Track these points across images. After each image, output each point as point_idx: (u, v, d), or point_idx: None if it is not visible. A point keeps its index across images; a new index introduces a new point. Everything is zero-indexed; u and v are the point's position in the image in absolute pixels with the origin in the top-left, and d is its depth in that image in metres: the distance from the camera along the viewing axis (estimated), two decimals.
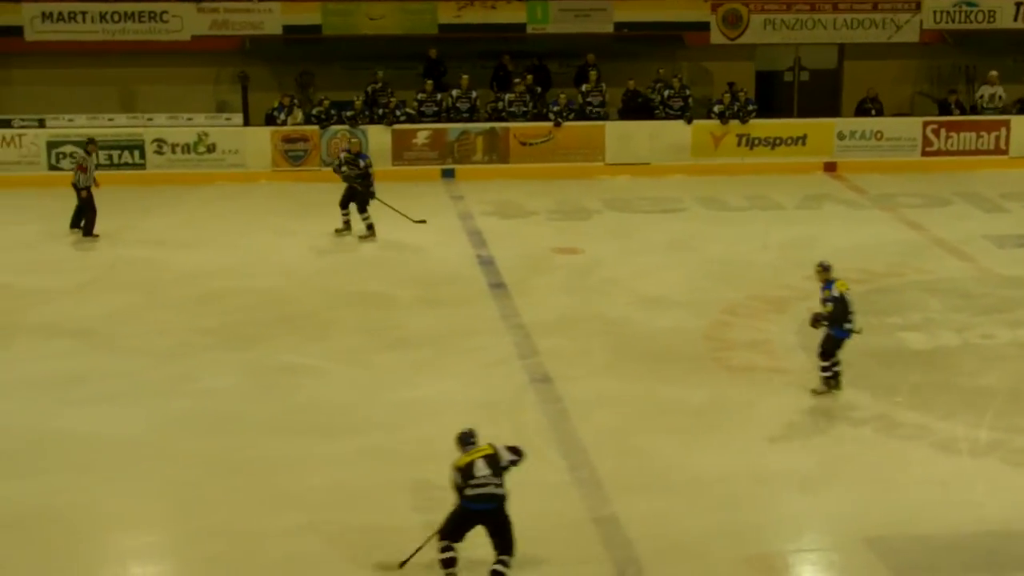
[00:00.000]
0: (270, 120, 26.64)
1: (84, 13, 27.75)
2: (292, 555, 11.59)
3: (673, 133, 26.99)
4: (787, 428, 14.40)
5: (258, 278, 19.66)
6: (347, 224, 21.87)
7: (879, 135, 27.39)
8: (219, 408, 14.77)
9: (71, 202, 21.92)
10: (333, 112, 26.39)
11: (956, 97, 28.20)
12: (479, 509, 11.06)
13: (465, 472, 11.09)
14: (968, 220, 23.15)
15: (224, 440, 13.72)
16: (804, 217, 23.59)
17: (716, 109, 27.14)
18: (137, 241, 21.70)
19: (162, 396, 15.05)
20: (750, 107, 27.20)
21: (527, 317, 17.80)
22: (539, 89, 27.42)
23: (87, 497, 12.59)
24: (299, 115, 26.60)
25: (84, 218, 21.76)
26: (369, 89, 26.96)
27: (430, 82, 27.27)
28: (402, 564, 11.40)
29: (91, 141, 22.74)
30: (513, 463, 11.32)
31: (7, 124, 25.92)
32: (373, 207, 21.79)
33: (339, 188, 22.03)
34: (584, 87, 27.42)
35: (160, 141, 25.77)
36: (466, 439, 11.39)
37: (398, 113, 26.62)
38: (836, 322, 14.95)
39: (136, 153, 25.63)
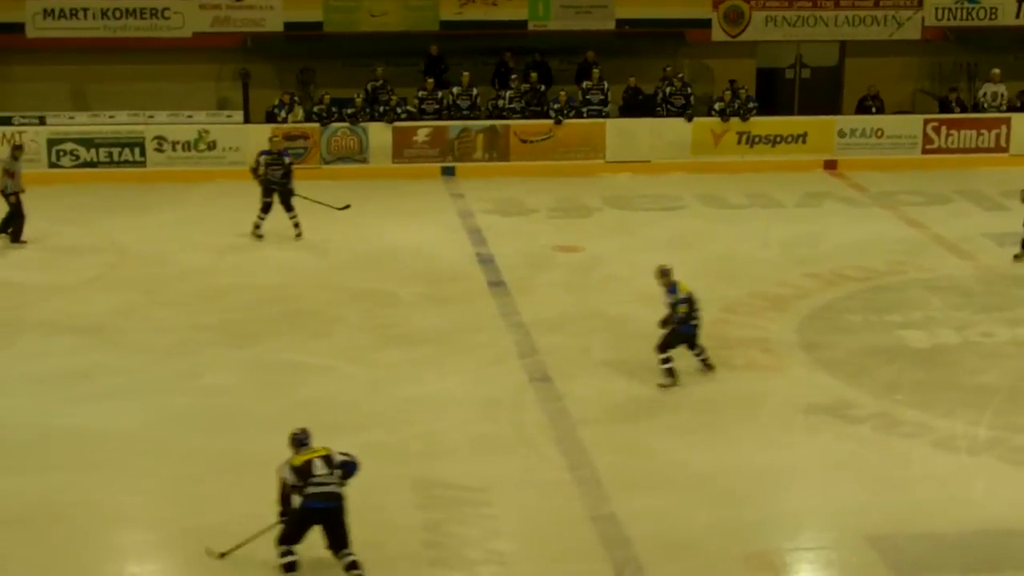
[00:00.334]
0: (271, 117, 26.63)
1: (86, 10, 27.73)
2: (298, 552, 11.54)
3: (674, 131, 26.99)
4: (787, 426, 14.44)
5: (260, 275, 19.71)
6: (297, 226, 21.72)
7: (880, 133, 27.38)
8: (221, 405, 14.81)
9: (72, 199, 21.96)
10: (334, 110, 26.41)
11: (957, 95, 28.21)
12: (320, 507, 11.05)
13: (303, 471, 11.12)
14: (969, 218, 23.17)
15: (227, 437, 13.76)
16: (804, 215, 23.61)
17: (717, 107, 27.15)
18: (139, 238, 21.70)
19: (165, 393, 15.08)
20: (751, 104, 27.21)
21: (527, 315, 17.84)
22: (542, 87, 27.42)
23: (90, 494, 12.62)
24: (300, 112, 26.60)
25: (12, 224, 21.29)
26: (369, 86, 26.98)
27: (431, 80, 27.28)
28: (223, 555, 11.39)
29: (18, 147, 22.54)
30: (347, 465, 11.30)
31: (8, 121, 25.91)
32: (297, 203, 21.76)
33: (340, 186, 22.07)
34: (585, 84, 27.44)
35: (161, 139, 25.77)
36: (300, 440, 11.41)
37: (399, 111, 26.65)
38: (684, 320, 15.38)
39: (136, 151, 25.63)
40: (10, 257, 20.59)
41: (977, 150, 27.51)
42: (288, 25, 28.16)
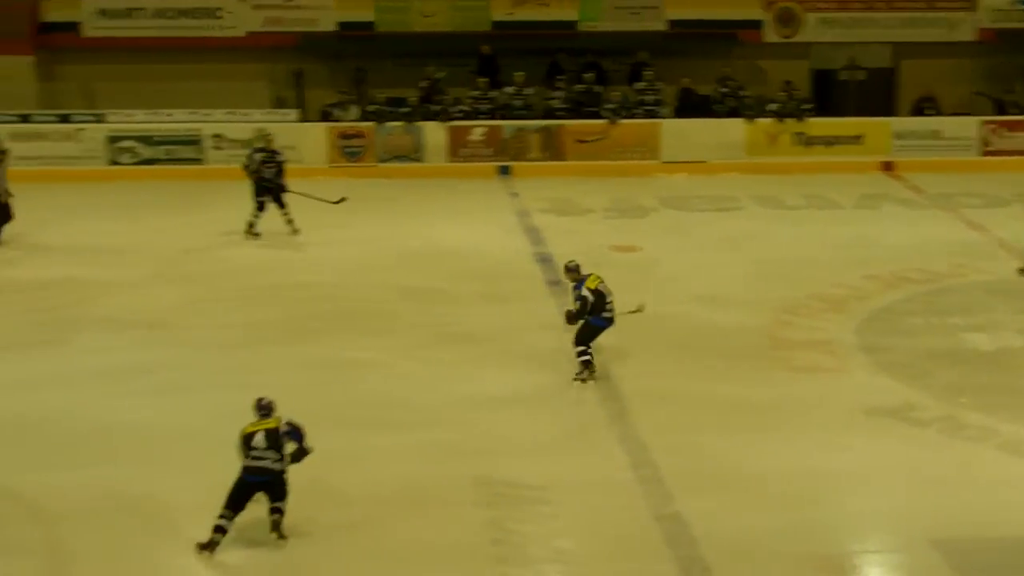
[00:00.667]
0: (326, 116, 26.76)
1: (140, 9, 28.02)
2: (353, 548, 11.64)
3: (729, 131, 26.96)
4: (850, 428, 14.29)
5: (318, 272, 19.77)
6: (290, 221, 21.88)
7: (936, 134, 27.25)
8: (280, 401, 14.76)
9: (131, 196, 22.09)
10: (388, 109, 26.48)
11: (1014, 97, 28.02)
12: (253, 480, 11.50)
13: (245, 441, 11.59)
14: None
15: None
16: (862, 216, 23.50)
17: (772, 107, 27.08)
18: (198, 235, 21.85)
19: (224, 388, 15.05)
20: (805, 106, 27.13)
21: None
22: (597, 88, 27.38)
23: (152, 487, 12.65)
24: (355, 112, 26.70)
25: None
26: (422, 86, 27.03)
27: (485, 79, 27.30)
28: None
29: (1, 151, 22.43)
30: (290, 436, 11.68)
31: (66, 119, 26.15)
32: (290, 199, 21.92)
33: (395, 184, 22.07)
34: (638, 85, 27.40)
35: (219, 136, 25.92)
36: (260, 408, 11.83)
37: (453, 110, 26.70)
38: (593, 312, 15.44)
39: (194, 148, 25.79)
40: (73, 254, 20.70)
41: None
42: (341, 25, 28.30)
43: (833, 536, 12.09)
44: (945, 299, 18.56)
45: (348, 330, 17.26)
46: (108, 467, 13.09)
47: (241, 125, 26.20)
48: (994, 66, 29.52)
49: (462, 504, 12.41)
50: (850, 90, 29.39)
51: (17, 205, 21.47)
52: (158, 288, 19.01)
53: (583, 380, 15.42)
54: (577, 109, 27.18)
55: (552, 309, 18.01)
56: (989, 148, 27.30)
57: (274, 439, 11.59)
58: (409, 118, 26.46)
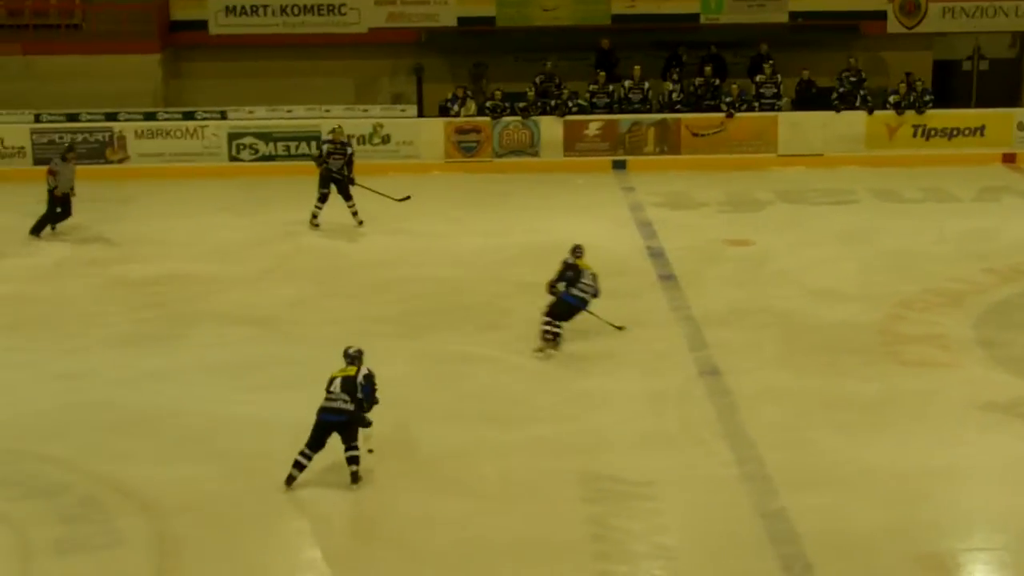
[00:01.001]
0: (444, 111, 26.94)
1: (265, 7, 28.38)
2: (459, 540, 11.74)
3: (847, 124, 26.68)
4: (962, 424, 14.12)
5: (431, 267, 19.92)
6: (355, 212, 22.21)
7: None
8: (391, 395, 14.83)
9: (250, 192, 22.39)
10: (506, 104, 26.59)
11: None
12: (327, 420, 12.61)
13: (327, 386, 12.73)
14: None
15: (395, 427, 13.91)
16: (982, 209, 23.14)
17: (892, 99, 26.74)
18: (311, 230, 22.13)
19: None
20: (927, 97, 26.74)
21: (697, 309, 17.77)
22: (716, 80, 27.23)
23: (262, 481, 12.83)
24: (472, 106, 26.84)
25: (55, 219, 21.97)
26: (537, 80, 27.09)
27: (603, 73, 27.29)
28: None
29: (69, 148, 23.28)
30: (364, 388, 12.67)
31: (191, 116, 26.63)
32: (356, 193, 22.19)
33: (510, 179, 22.12)
34: (758, 78, 27.22)
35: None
36: (345, 356, 12.97)
37: (570, 104, 26.74)
38: (568, 286, 16.21)
39: (314, 144, 26.10)
40: (189, 250, 21.09)
41: None
42: (461, 20, 28.45)
43: (941, 534, 11.97)
44: None
45: (461, 325, 17.37)
46: (218, 462, 13.31)
47: (360, 121, 26.46)
48: None
49: (566, 500, 12.46)
50: (973, 81, 28.91)
51: (139, 201, 22.05)
52: (272, 284, 19.29)
53: (541, 351, 15.97)
54: (695, 102, 27.06)
55: (663, 305, 18.04)
56: None
57: (350, 386, 12.62)
58: (526, 113, 26.54)
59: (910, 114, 26.59)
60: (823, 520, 11.99)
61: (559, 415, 14.42)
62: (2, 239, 21.74)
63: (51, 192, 21.80)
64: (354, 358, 12.92)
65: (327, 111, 26.51)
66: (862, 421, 14.20)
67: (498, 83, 27.47)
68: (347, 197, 22.13)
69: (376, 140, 26.46)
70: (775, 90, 27.12)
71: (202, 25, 28.48)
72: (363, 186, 22.19)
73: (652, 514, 12.21)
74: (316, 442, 12.65)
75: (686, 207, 23.50)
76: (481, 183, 22.34)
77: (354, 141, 26.03)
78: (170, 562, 11.54)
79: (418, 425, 14.12)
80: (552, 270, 18.84)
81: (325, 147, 22.37)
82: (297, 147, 26.26)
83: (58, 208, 21.88)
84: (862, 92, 26.94)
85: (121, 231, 22.30)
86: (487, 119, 26.55)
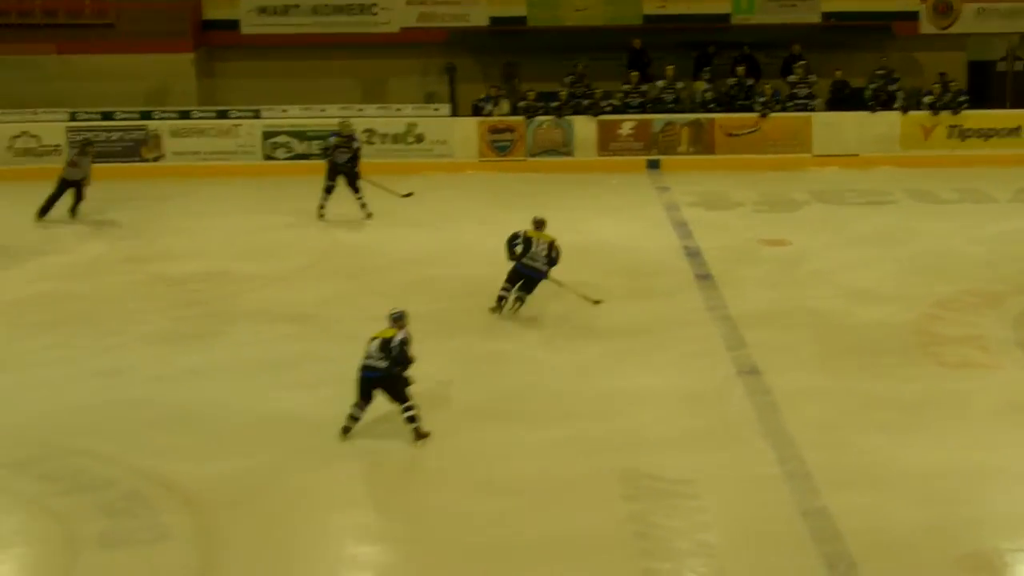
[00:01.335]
0: (477, 111, 26.98)
1: (297, 6, 28.48)
2: (497, 539, 11.72)
3: (882, 124, 26.63)
4: (1002, 424, 14.06)
5: (465, 266, 19.91)
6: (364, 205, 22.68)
7: None
8: (427, 393, 14.91)
9: (285, 190, 22.49)
10: (539, 104, 26.61)
11: None
12: (365, 376, 13.55)
13: (367, 345, 13.60)
14: None
15: (432, 424, 13.92)
16: (1018, 210, 23.03)
17: (927, 100, 26.68)
18: (348, 228, 22.21)
19: None
20: (961, 98, 26.67)
21: (734, 309, 17.73)
22: (749, 81, 27.19)
23: (300, 478, 12.90)
24: (505, 106, 26.86)
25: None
26: (567, 80, 27.10)
27: (636, 73, 27.28)
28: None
29: (88, 143, 23.88)
30: (397, 351, 13.46)
31: (224, 115, 26.73)
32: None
33: (544, 178, 22.14)
34: (791, 78, 27.19)
35: (370, 131, 26.22)
36: (389, 319, 13.82)
37: (603, 104, 26.74)
38: (521, 255, 17.33)
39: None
40: (226, 248, 21.16)
41: None
42: (493, 20, 28.51)
43: (984, 534, 11.88)
44: None
45: (497, 323, 17.38)
46: (258, 458, 13.34)
47: (393, 120, 26.52)
48: None
49: (607, 498, 12.43)
50: (1008, 81, 28.81)
51: (175, 200, 22.31)
52: (309, 281, 19.33)
53: (492, 310, 17.37)
54: (728, 103, 27.03)
55: (699, 304, 18.00)
56: None
57: (386, 345, 13.45)
58: (559, 112, 26.55)
59: (945, 115, 26.53)
60: (864, 519, 11.93)
61: (597, 413, 14.39)
62: (40, 236, 21.84)
63: (64, 180, 22.52)
64: (396, 320, 13.72)
65: (360, 110, 26.58)
66: (901, 421, 14.14)
67: (531, 83, 27.49)
68: (355, 190, 22.47)
69: (410, 139, 26.50)
70: (808, 90, 27.09)
71: (234, 25, 28.64)
72: (368, 180, 22.54)
73: (694, 512, 12.17)
74: (362, 395, 13.59)
75: (721, 207, 23.47)
76: (515, 183, 22.37)
77: (388, 140, 26.23)
78: (214, 557, 11.57)
79: (455, 422, 14.13)
80: (586, 271, 18.99)
81: (332, 140, 22.71)
82: None
83: (72, 191, 22.65)
84: (892, 88, 26.84)
85: (158, 229, 22.44)
86: (521, 119, 26.57)
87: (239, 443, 13.76)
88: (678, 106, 27.03)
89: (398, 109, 26.93)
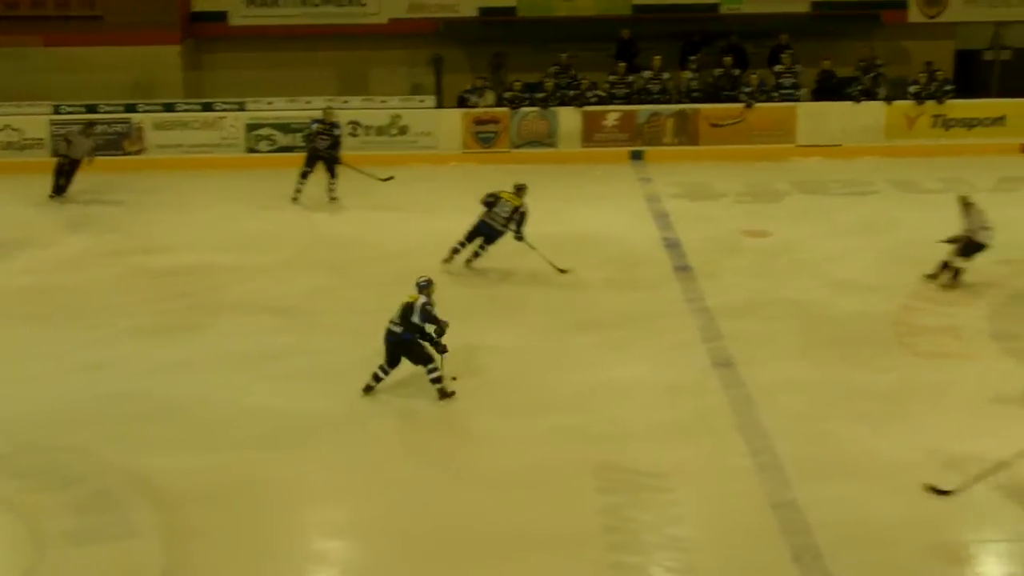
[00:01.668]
0: (462, 102, 26.97)
1: None
2: (468, 532, 11.80)
3: (866, 114, 26.62)
4: (977, 415, 14.13)
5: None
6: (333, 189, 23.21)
7: None
8: (407, 383, 15.01)
9: (269, 183, 22.59)
10: (525, 95, 26.62)
11: None
12: (387, 340, 14.48)
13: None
14: None
15: (416, 417, 13.98)
16: (1000, 200, 22.91)
17: (912, 89, 26.70)
18: (332, 221, 22.25)
19: (357, 373, 15.16)
20: (947, 87, 26.69)
21: (713, 300, 17.76)
22: (737, 71, 27.20)
23: (278, 472, 12.94)
24: (491, 97, 26.86)
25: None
26: (551, 70, 27.11)
27: (623, 64, 27.28)
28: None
29: (90, 124, 24.39)
30: (420, 314, 14.31)
31: (209, 107, 26.73)
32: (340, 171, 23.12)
33: (528, 170, 22.18)
34: (777, 68, 27.19)
35: (355, 123, 26.23)
36: (417, 285, 14.60)
37: (589, 95, 26.75)
38: (486, 212, 18.96)
39: None
40: (209, 240, 21.17)
41: None
42: (482, 11, 28.52)
43: (955, 525, 11.98)
44: None
45: (479, 315, 17.35)
46: (235, 452, 13.37)
47: (378, 112, 26.53)
48: None
49: (581, 490, 12.51)
50: (994, 71, 28.85)
51: (158, 193, 22.63)
52: (292, 274, 19.33)
53: (444, 262, 18.79)
54: (714, 93, 27.04)
55: (679, 296, 18.05)
56: None
57: (407, 311, 14.32)
58: (544, 103, 26.57)
59: (930, 104, 26.55)
60: (838, 510, 12.03)
61: (575, 405, 14.46)
62: (23, 230, 21.87)
63: (67, 159, 23.01)
64: (421, 288, 14.53)
65: (345, 102, 26.52)
66: (877, 412, 14.21)
67: (518, 74, 27.48)
68: (332, 175, 22.98)
69: (394, 131, 26.49)
70: (794, 80, 27.09)
71: (222, 16, 28.64)
72: (348, 165, 22.89)
73: (666, 505, 12.26)
74: (388, 359, 14.53)
75: (704, 198, 23.50)
76: (499, 174, 22.29)
77: (372, 132, 26.23)
78: (183, 553, 11.59)
79: (439, 414, 14.23)
80: (568, 262, 19.03)
81: (314, 127, 23.11)
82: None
83: (62, 179, 23.04)
84: (874, 75, 26.84)
85: (141, 222, 22.43)
86: (505, 110, 26.58)
87: (220, 437, 13.78)
88: (664, 96, 27.02)
89: (383, 101, 26.90)
